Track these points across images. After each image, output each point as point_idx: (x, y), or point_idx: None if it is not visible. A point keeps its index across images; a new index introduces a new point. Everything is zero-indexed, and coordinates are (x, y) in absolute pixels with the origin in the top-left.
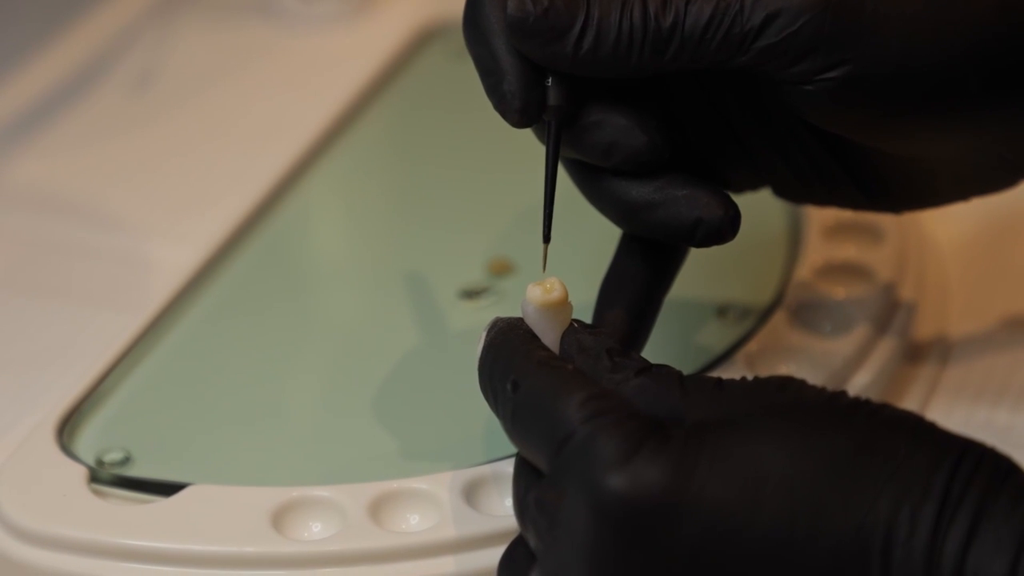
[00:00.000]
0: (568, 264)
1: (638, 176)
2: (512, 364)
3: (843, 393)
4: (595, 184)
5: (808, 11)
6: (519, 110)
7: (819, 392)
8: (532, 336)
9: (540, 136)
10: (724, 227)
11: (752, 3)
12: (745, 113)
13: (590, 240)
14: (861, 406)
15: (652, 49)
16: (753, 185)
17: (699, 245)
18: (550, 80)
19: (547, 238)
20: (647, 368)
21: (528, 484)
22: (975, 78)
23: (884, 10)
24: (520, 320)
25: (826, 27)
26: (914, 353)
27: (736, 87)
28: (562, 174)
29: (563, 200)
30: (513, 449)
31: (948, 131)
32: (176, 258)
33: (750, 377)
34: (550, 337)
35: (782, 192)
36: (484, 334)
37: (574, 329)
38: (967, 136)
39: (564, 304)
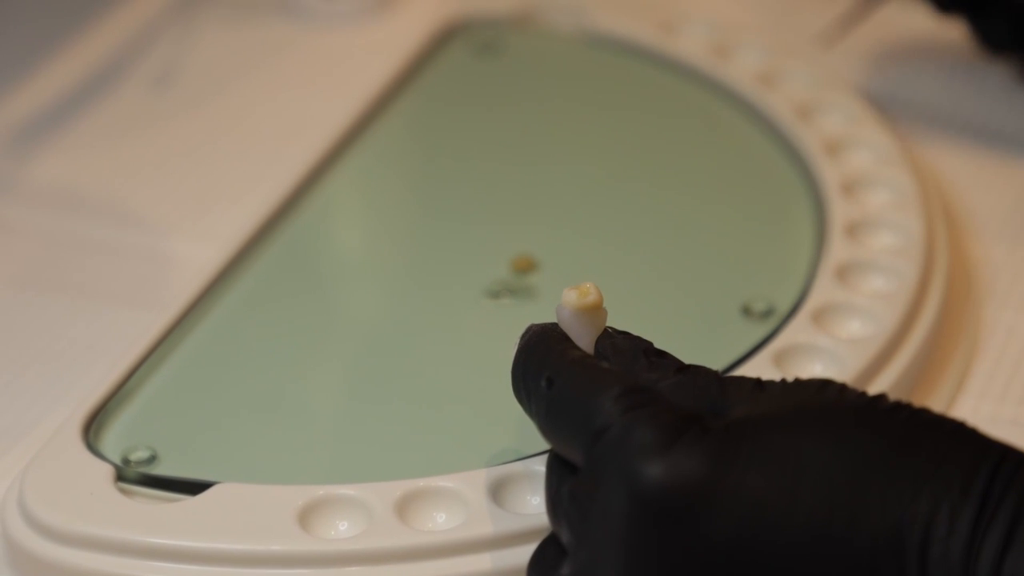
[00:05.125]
0: (602, 272)
1: None
2: (547, 362)
3: (883, 396)
4: None
5: None
6: None
7: (860, 394)
8: (566, 338)
9: None
10: None
11: None
12: None
13: (624, 250)
14: (902, 408)
15: None
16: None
17: None
18: None
19: None
20: (684, 368)
21: (561, 478)
22: None
23: None
24: (555, 325)
25: None
26: (940, 352)
27: None
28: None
29: (599, 208)
30: (539, 447)
31: None
32: (200, 255)
33: (789, 379)
34: (585, 341)
35: None
36: (519, 340)
37: (609, 333)
38: None
39: (599, 309)
